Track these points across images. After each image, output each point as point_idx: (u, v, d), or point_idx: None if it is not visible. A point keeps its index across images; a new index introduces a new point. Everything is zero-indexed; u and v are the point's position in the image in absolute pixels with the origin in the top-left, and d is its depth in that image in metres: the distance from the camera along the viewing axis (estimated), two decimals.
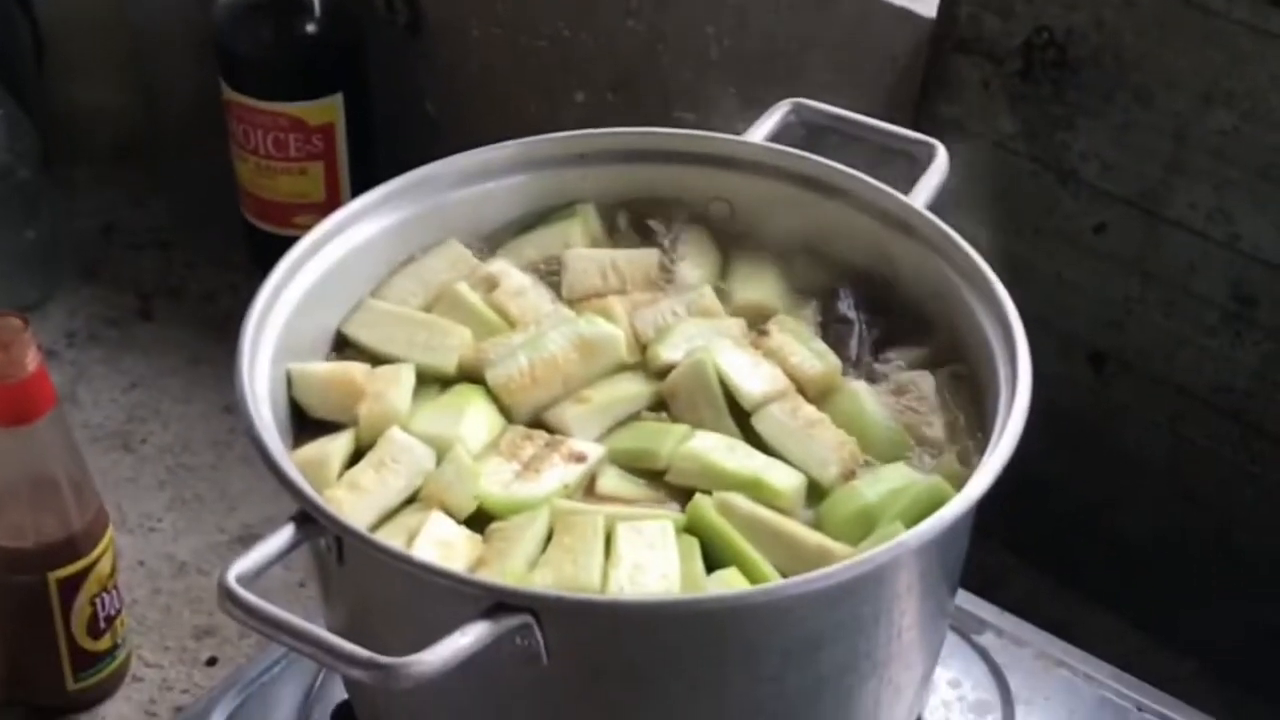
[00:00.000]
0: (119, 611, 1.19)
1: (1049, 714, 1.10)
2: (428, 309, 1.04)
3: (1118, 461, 1.26)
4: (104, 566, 1.15)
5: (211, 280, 1.61)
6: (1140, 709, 1.10)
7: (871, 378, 1.00)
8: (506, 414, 0.97)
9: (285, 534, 0.82)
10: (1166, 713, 1.09)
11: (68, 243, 1.63)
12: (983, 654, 1.13)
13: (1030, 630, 1.15)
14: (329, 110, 1.48)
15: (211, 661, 1.24)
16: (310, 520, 0.83)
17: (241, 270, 1.58)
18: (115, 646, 1.19)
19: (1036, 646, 1.14)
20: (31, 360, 1.06)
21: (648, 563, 0.87)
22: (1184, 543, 1.25)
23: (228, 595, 0.79)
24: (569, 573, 0.86)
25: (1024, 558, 1.33)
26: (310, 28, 1.48)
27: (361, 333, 1.02)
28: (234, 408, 1.07)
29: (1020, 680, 1.11)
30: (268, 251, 1.10)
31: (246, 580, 0.79)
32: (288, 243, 1.00)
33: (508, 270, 1.05)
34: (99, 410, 1.47)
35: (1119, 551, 1.29)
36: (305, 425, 0.97)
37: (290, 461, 0.87)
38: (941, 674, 1.11)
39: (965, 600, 1.15)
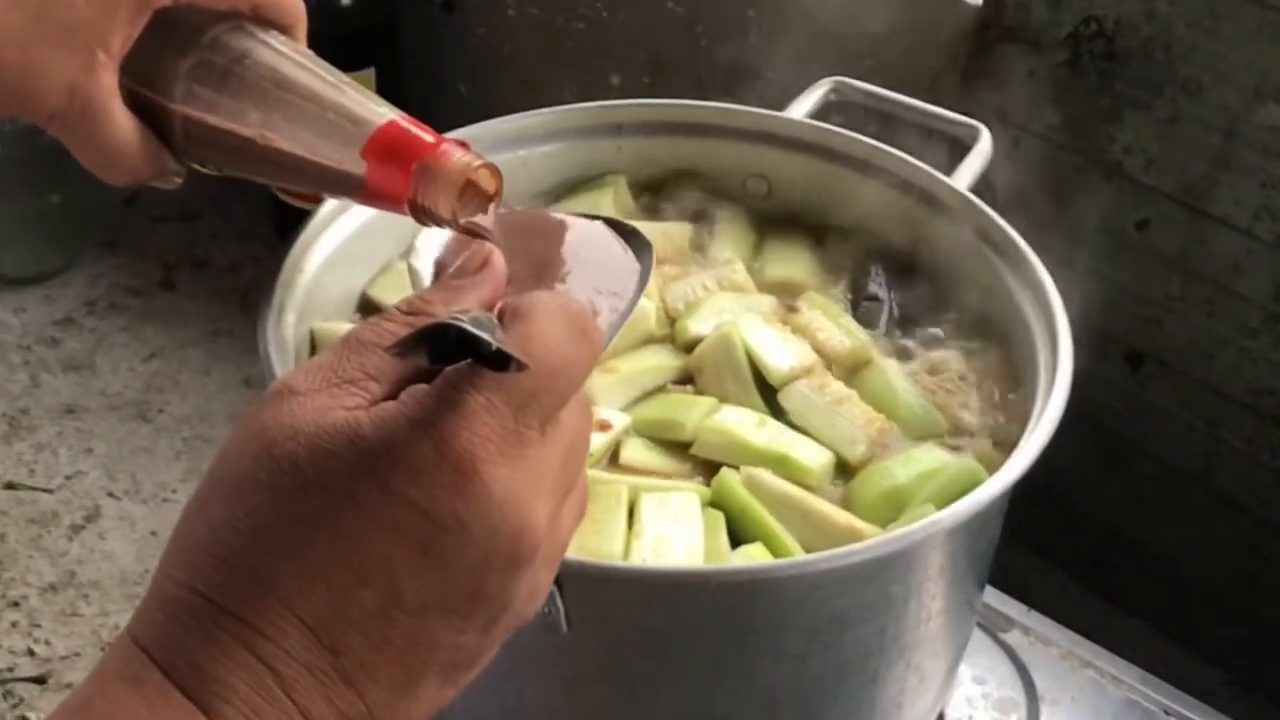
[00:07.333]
0: None
1: (1074, 714, 1.07)
2: None
3: (1151, 464, 1.23)
4: None
5: (235, 252, 1.59)
6: (1168, 713, 1.07)
7: (903, 356, 0.97)
8: None
9: None
10: (1194, 718, 1.07)
11: (91, 212, 1.61)
12: (1009, 652, 1.10)
13: (1057, 630, 1.12)
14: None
15: None
16: None
17: (265, 243, 1.57)
18: None
19: (1063, 646, 1.11)
20: None
21: (672, 535, 0.85)
22: (1216, 550, 1.22)
23: None
24: (592, 543, 0.84)
25: (1052, 561, 1.31)
26: (344, 0, 1.46)
27: (387, 295, 1.00)
28: (253, 381, 1.04)
29: (1046, 679, 1.09)
30: (293, 226, 1.08)
31: None
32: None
33: None
34: (117, 379, 1.45)
35: (1149, 557, 1.27)
36: None
37: None
38: (967, 670, 1.08)
39: (993, 598, 1.13)
